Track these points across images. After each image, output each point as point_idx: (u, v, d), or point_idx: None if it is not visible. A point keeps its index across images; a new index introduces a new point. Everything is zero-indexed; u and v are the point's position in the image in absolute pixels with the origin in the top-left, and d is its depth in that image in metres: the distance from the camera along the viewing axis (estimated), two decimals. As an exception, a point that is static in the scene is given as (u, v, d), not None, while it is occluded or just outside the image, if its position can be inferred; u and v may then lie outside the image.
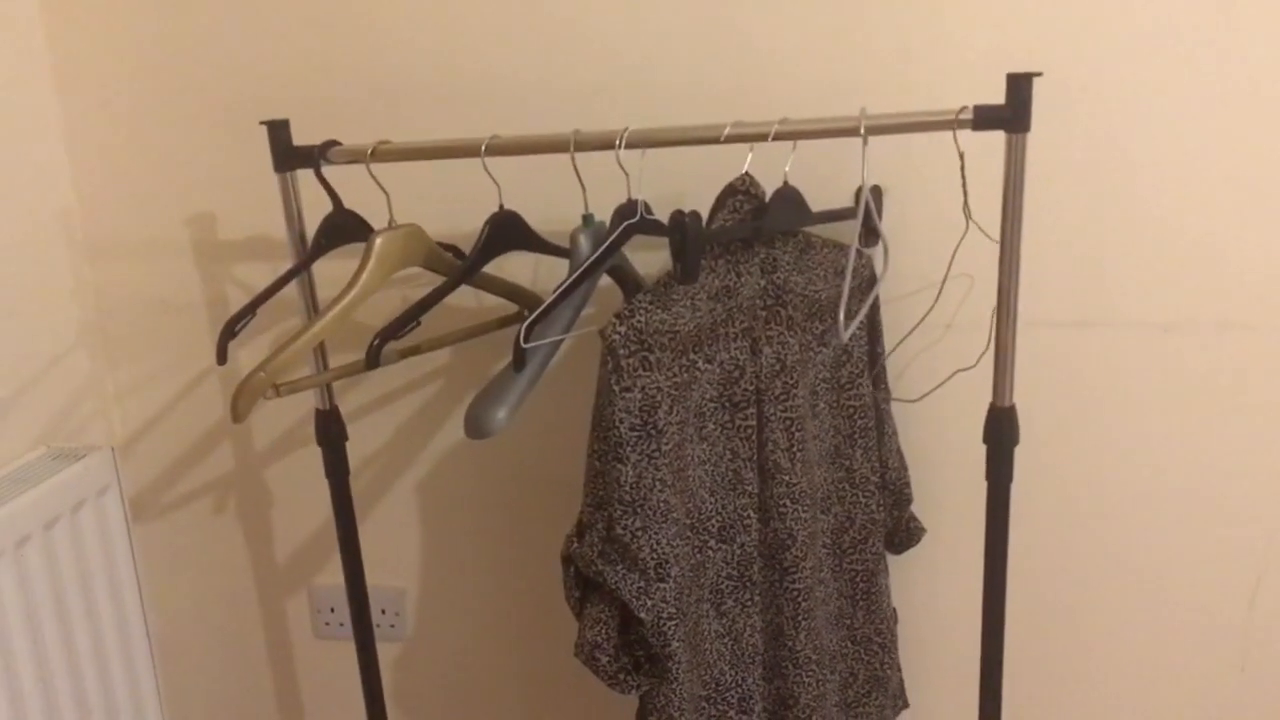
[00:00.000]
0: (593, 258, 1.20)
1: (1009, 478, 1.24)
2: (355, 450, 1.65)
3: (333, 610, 1.74)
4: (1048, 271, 1.41)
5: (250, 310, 1.30)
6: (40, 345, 1.59)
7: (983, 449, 1.24)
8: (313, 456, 1.68)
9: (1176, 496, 1.46)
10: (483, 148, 1.23)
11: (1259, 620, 1.48)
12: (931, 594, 1.56)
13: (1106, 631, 1.53)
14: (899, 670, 1.48)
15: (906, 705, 1.51)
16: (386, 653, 1.74)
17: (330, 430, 1.43)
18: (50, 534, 1.49)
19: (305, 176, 1.35)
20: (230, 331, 1.28)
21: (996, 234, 1.15)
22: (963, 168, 1.20)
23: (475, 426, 1.19)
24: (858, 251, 1.30)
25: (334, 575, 1.73)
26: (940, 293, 1.42)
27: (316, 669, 1.78)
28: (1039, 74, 1.10)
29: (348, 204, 1.34)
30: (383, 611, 1.71)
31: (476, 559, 1.67)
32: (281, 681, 1.80)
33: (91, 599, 1.57)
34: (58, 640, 1.50)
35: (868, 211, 1.32)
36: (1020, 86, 1.09)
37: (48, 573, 1.48)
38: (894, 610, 1.46)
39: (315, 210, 1.36)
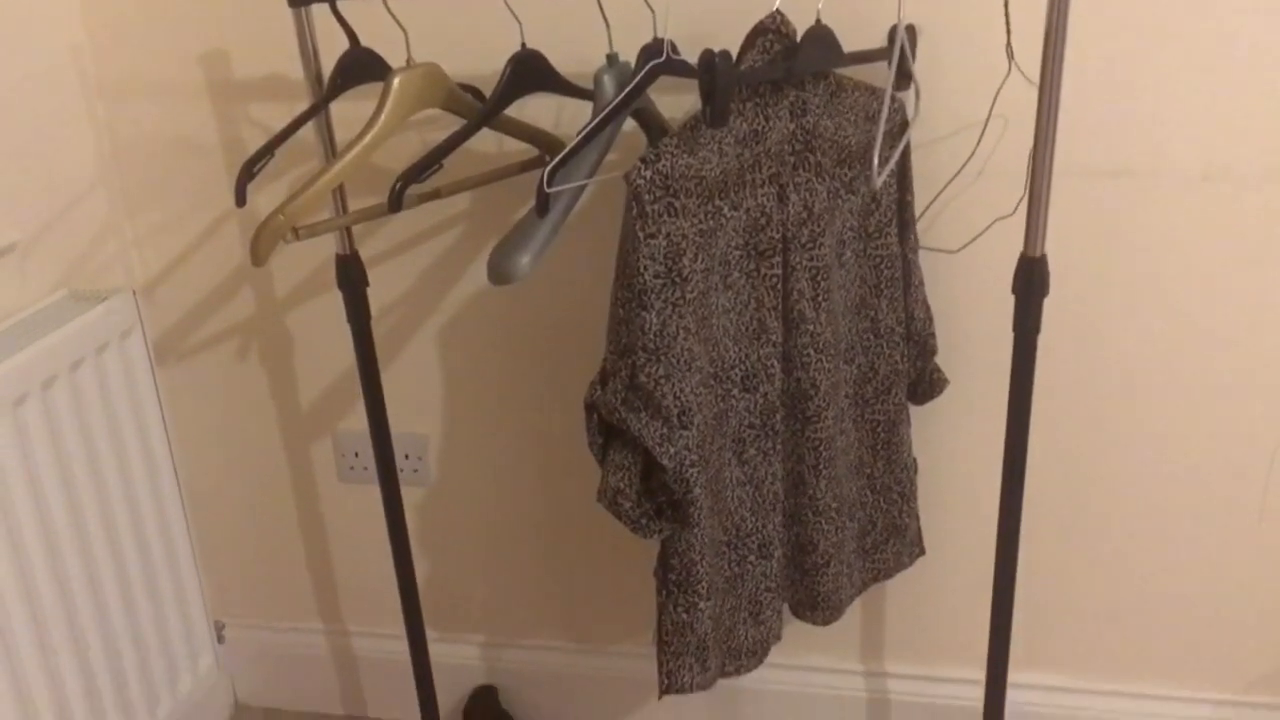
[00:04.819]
0: (617, 100, 1.16)
1: (1036, 329, 1.22)
2: (376, 296, 1.64)
3: (357, 454, 1.76)
4: (1084, 117, 1.36)
5: (268, 151, 1.27)
6: (57, 188, 1.58)
7: (1010, 300, 1.22)
8: (334, 302, 1.67)
9: (1207, 348, 1.44)
10: (504, -18, 1.19)
11: None
12: (952, 445, 1.56)
13: (1126, 482, 1.53)
14: (917, 518, 1.50)
15: (923, 552, 1.53)
16: (410, 496, 1.76)
17: (351, 275, 1.42)
18: (76, 376, 1.50)
19: (320, 12, 1.31)
20: (248, 172, 1.26)
21: (1035, 76, 1.11)
22: (1006, 3, 1.15)
23: (498, 272, 1.18)
24: (890, 95, 1.26)
25: (357, 421, 1.74)
26: (980, 139, 1.38)
27: (342, 511, 1.81)
28: (1090, -95, 1.05)
29: (364, 42, 1.30)
30: (405, 456, 1.73)
31: (499, 405, 1.68)
32: (308, 523, 1.83)
33: (120, 441, 1.59)
34: (88, 481, 1.53)
35: (902, 53, 1.27)
36: (1069, -82, 1.04)
37: (75, 414, 1.50)
38: (914, 460, 1.47)
39: (331, 48, 1.33)
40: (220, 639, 1.90)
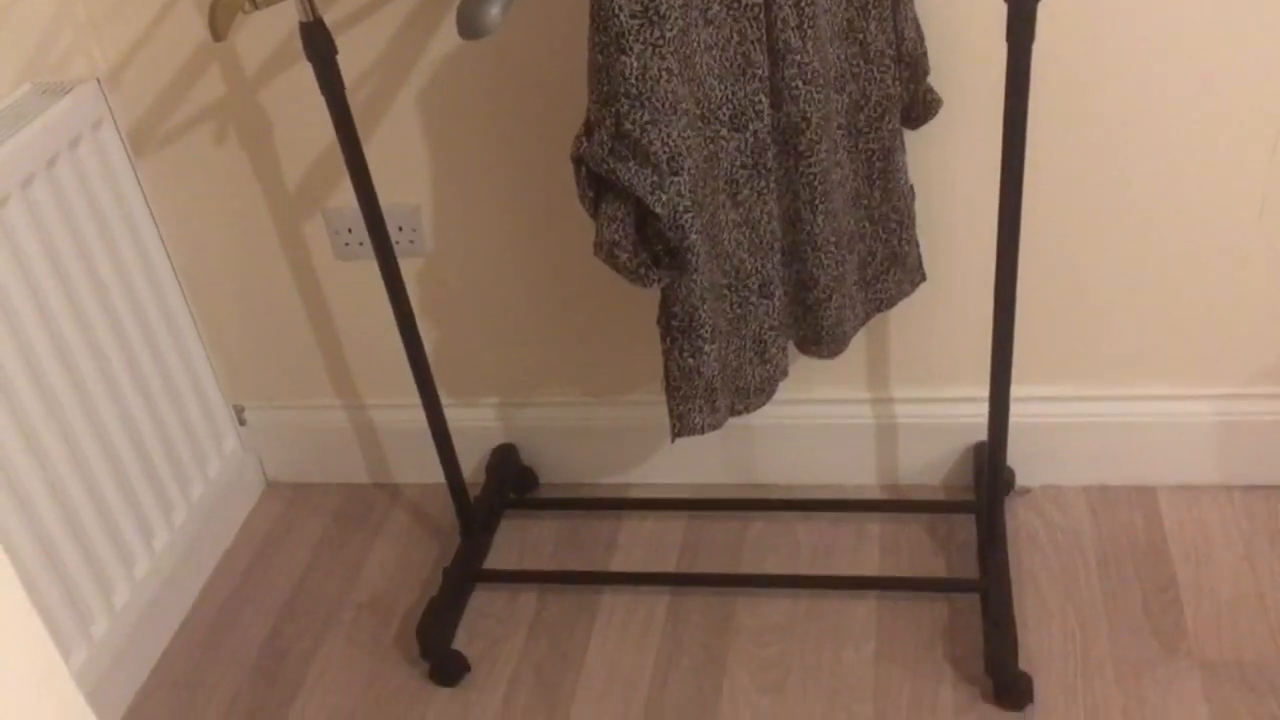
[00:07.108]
0: None
1: (1030, 37, 1.18)
2: (348, 65, 1.58)
3: (350, 230, 1.74)
4: None
5: (212, -83, 1.20)
6: (0, -23, 1.50)
7: (1003, 10, 1.17)
8: (305, 75, 1.61)
9: (1206, 41, 1.40)
10: None
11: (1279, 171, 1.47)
12: (949, 166, 1.54)
13: (1125, 185, 1.52)
14: (917, 245, 1.49)
15: (925, 279, 1.53)
16: (409, 268, 1.76)
17: (317, 43, 1.36)
18: (53, 172, 1.47)
19: None
20: (194, -57, 1.20)
21: None
22: None
23: (468, 25, 1.14)
24: None
25: (346, 197, 1.72)
26: None
27: (343, 289, 1.81)
28: None
29: None
30: (399, 228, 1.72)
31: (487, 168, 1.65)
32: (311, 303, 1.84)
33: (110, 236, 1.57)
34: (85, 280, 1.52)
35: None
36: None
37: (60, 212, 1.48)
38: (911, 187, 1.45)
39: None
40: (242, 421, 1.94)
